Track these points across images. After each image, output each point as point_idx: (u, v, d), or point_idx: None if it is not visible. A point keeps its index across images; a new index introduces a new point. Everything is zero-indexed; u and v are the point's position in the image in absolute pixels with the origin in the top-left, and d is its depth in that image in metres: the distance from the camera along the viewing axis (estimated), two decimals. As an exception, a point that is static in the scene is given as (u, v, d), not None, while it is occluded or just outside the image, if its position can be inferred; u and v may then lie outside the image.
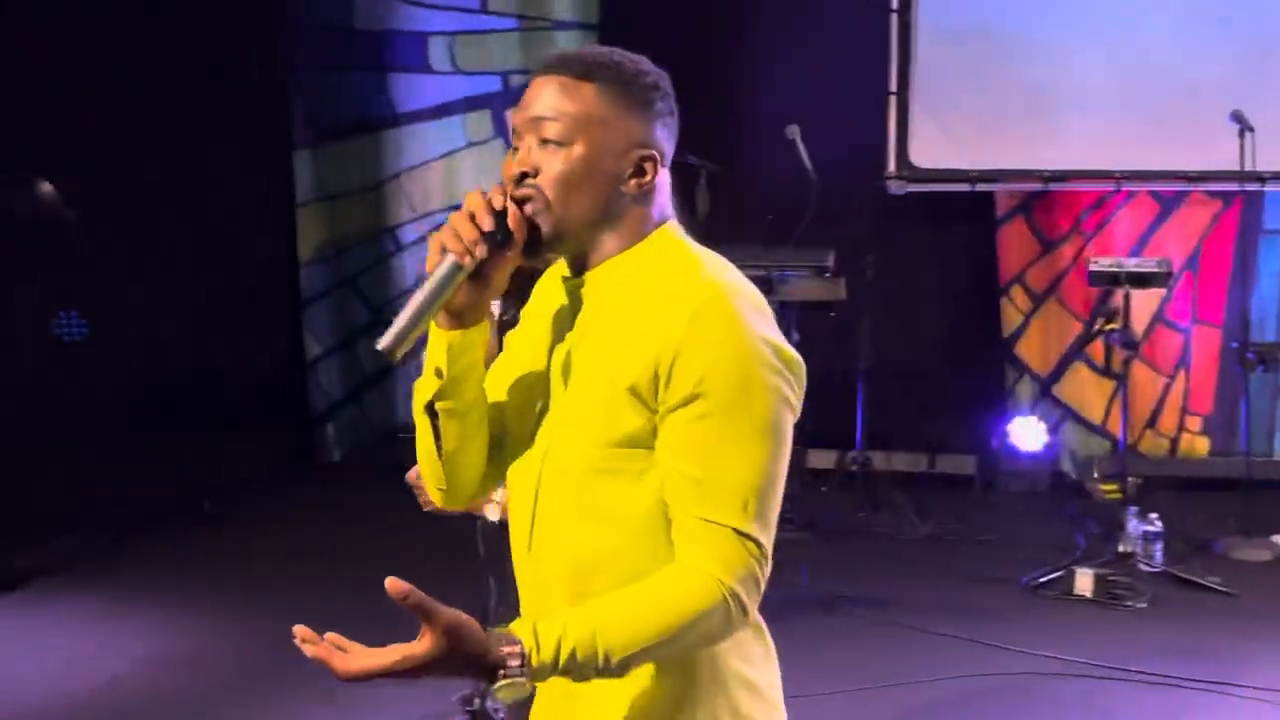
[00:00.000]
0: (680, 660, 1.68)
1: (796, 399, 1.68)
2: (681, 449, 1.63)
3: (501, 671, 1.55)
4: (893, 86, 6.99)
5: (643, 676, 1.68)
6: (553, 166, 1.69)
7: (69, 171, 6.59)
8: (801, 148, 6.15)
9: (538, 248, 1.72)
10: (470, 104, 7.68)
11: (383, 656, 1.54)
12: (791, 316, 6.04)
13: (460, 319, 1.70)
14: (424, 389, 1.75)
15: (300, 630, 1.56)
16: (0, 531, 5.85)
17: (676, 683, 1.70)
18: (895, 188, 7.00)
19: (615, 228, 1.73)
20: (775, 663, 1.82)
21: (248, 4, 7.41)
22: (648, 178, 1.73)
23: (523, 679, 1.55)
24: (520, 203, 1.69)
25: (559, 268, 1.81)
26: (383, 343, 1.63)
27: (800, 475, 6.61)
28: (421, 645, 1.54)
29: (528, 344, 1.82)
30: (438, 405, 1.74)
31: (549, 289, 1.83)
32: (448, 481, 1.81)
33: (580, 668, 1.58)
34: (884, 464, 6.98)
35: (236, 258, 7.53)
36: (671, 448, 1.64)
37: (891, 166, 7.00)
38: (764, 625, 1.79)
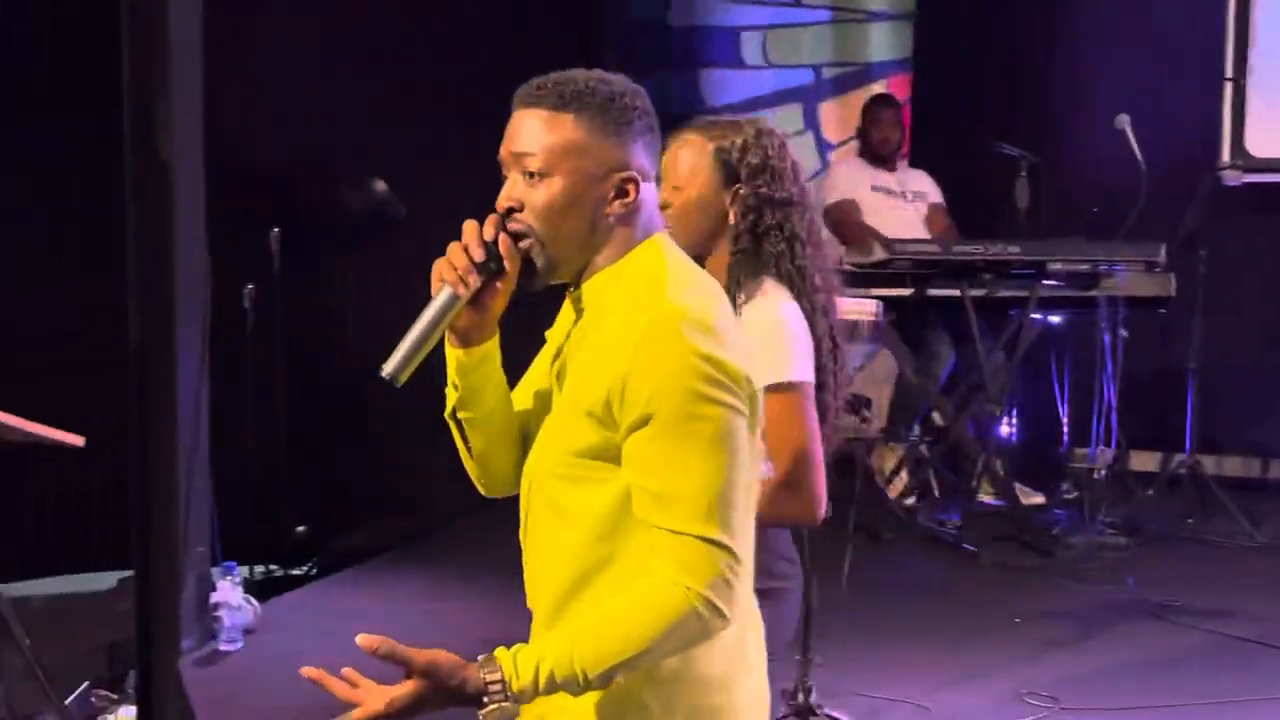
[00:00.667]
0: None
1: (745, 406, 1.74)
2: (641, 467, 1.72)
3: (485, 699, 1.68)
4: (1229, 72, 6.64)
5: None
6: (537, 199, 1.78)
7: (396, 170, 6.90)
8: (1131, 138, 5.92)
9: (533, 276, 1.82)
10: (781, 97, 7.68)
11: (374, 701, 1.70)
12: (1120, 313, 5.83)
13: (465, 339, 1.84)
14: (449, 399, 1.90)
15: (309, 673, 1.74)
16: (330, 513, 6.18)
17: (636, 678, 1.76)
18: (1230, 178, 6.63)
19: (603, 247, 1.82)
20: (744, 659, 1.87)
21: (568, 3, 7.59)
22: (630, 198, 1.80)
23: (508, 703, 1.68)
24: (512, 235, 1.79)
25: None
26: (387, 368, 1.78)
27: (1123, 479, 6.37)
28: (404, 688, 1.70)
29: (549, 348, 1.94)
30: (459, 414, 1.90)
31: (568, 300, 1.92)
32: (484, 477, 1.96)
33: (563, 686, 1.69)
34: (1213, 468, 6.62)
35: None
36: (633, 466, 1.73)
37: (1226, 156, 6.66)
38: (740, 621, 1.81)
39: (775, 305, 2.47)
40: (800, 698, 3.64)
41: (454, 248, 1.78)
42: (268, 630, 4.53)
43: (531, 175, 1.78)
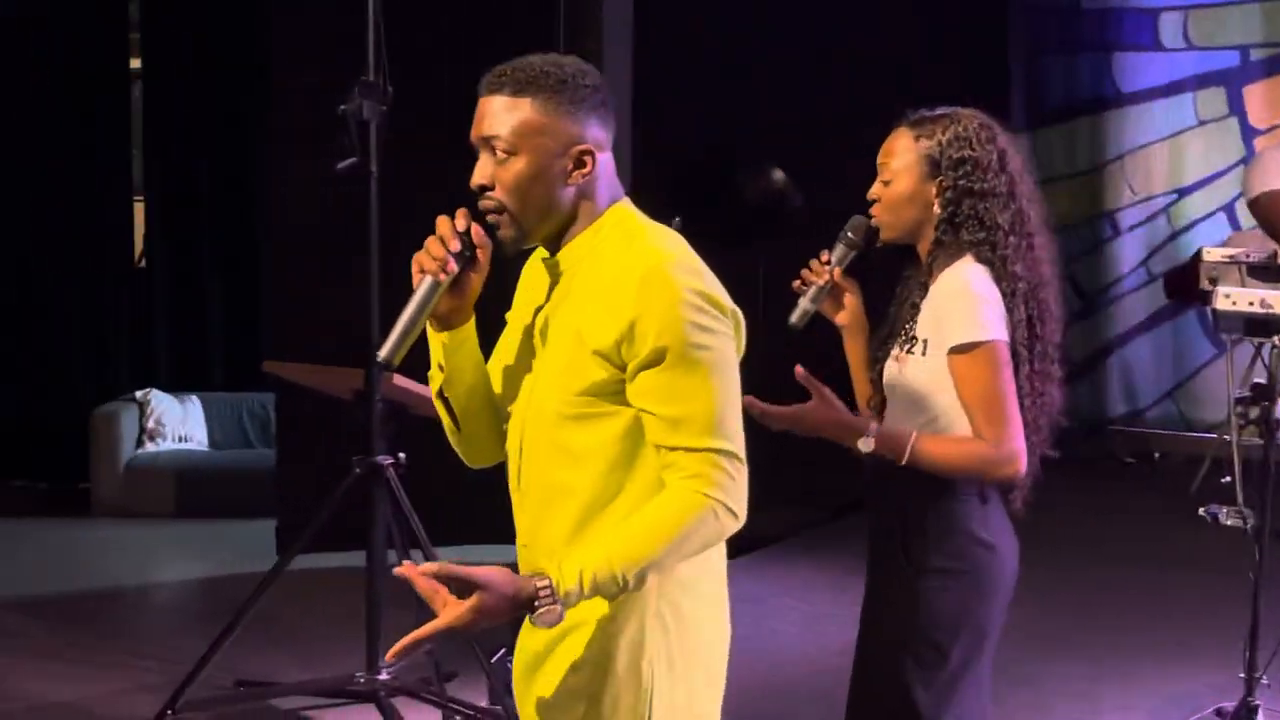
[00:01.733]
0: None
1: (732, 333, 1.98)
2: (655, 397, 1.93)
3: (535, 603, 1.86)
4: None
5: None
6: (505, 176, 1.98)
7: (795, 159, 6.88)
8: None
9: (508, 247, 2.01)
10: (1202, 81, 7.27)
11: (446, 615, 1.86)
12: None
13: (447, 322, 2.03)
14: (434, 381, 2.09)
15: (401, 572, 1.89)
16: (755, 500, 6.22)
17: (651, 592, 1.98)
18: None
19: (571, 215, 2.02)
20: (717, 567, 2.09)
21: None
22: (588, 169, 1.99)
23: (556, 605, 1.86)
24: (485, 215, 1.98)
25: (541, 252, 2.09)
26: (382, 353, 1.95)
27: None
28: (466, 603, 1.85)
29: (519, 317, 2.12)
30: (446, 392, 2.09)
31: (534, 270, 2.12)
32: (470, 450, 2.15)
33: (603, 588, 1.89)
34: None
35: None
36: (646, 397, 1.94)
37: None
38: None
39: (961, 272, 2.53)
40: (1245, 717, 3.42)
41: (432, 241, 1.96)
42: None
43: (498, 155, 1.97)
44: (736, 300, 2.10)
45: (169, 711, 3.96)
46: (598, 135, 2.00)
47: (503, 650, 4.65)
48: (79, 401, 7.63)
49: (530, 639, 2.11)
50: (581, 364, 1.97)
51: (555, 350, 2.03)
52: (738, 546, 5.72)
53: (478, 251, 1.99)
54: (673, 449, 1.94)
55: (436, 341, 2.06)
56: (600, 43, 4.07)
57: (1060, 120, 7.58)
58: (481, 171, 2.00)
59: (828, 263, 2.68)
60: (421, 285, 1.97)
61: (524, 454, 2.07)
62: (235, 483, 7.16)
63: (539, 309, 2.07)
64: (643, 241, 1.99)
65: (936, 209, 2.57)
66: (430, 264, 1.96)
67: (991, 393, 2.46)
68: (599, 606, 1.99)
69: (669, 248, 1.99)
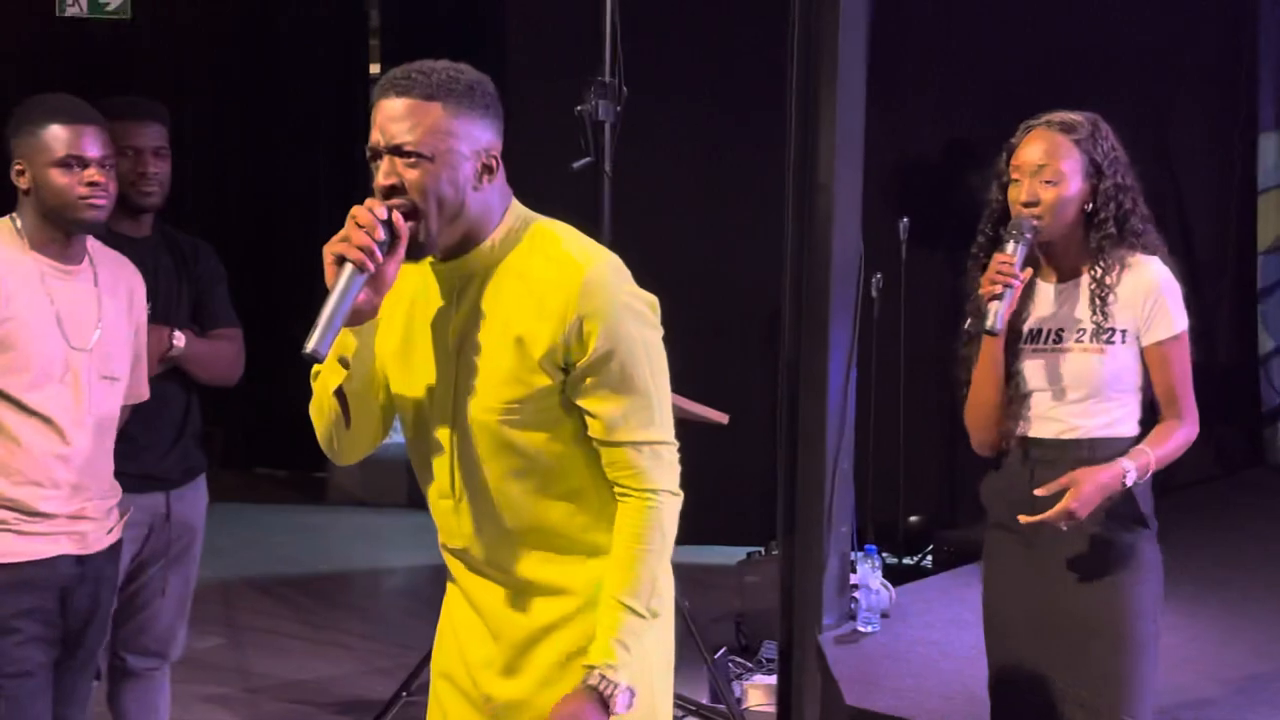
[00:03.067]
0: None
1: (659, 327, 2.08)
2: (601, 395, 2.01)
3: (604, 695, 1.97)
4: None
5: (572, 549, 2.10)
6: (416, 178, 1.96)
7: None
8: None
9: (418, 251, 1.99)
10: None
11: None
12: None
13: (358, 316, 1.98)
14: (331, 378, 2.04)
15: None
16: (945, 505, 6.11)
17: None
18: None
19: (476, 218, 2.02)
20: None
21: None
22: (494, 173, 2.02)
23: (619, 684, 1.97)
24: (400, 214, 1.95)
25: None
26: (309, 346, 1.90)
27: None
28: None
29: (402, 324, 2.10)
30: (345, 389, 2.05)
31: (412, 276, 2.08)
32: (347, 446, 2.13)
33: (633, 632, 2.00)
34: None
35: (1187, 245, 7.28)
36: (591, 395, 2.02)
37: None
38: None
39: (1149, 268, 2.71)
40: None
41: (355, 230, 1.92)
42: (901, 616, 4.53)
43: (408, 157, 1.95)
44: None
45: (403, 694, 4.08)
46: (498, 141, 2.04)
47: (723, 650, 4.67)
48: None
49: (489, 648, 2.14)
50: (526, 373, 2.01)
51: (489, 356, 2.03)
52: (966, 555, 5.57)
53: (400, 238, 1.95)
54: (615, 444, 2.04)
55: (343, 337, 2.01)
56: (836, 37, 4.03)
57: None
58: (389, 171, 1.97)
59: (1009, 265, 2.71)
60: (343, 275, 1.92)
61: (460, 460, 2.08)
62: (463, 475, 7.35)
63: (445, 317, 2.06)
64: (563, 246, 2.04)
65: (1091, 205, 2.71)
66: (355, 254, 1.91)
67: (1187, 375, 2.73)
68: (568, 601, 2.09)
69: (599, 250, 2.05)
